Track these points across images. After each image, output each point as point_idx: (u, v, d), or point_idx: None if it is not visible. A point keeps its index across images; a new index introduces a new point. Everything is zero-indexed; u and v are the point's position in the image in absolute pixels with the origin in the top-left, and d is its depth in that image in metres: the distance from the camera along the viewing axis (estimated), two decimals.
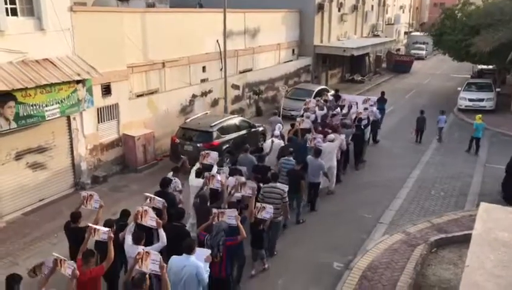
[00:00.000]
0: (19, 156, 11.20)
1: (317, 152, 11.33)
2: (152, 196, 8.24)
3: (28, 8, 11.02)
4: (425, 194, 13.06)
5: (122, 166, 14.32)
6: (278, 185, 9.40)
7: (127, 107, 14.28)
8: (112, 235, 6.67)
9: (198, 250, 6.52)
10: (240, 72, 20.85)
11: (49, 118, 11.17)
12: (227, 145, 14.07)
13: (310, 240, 10.29)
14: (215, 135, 13.91)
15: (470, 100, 22.86)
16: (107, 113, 13.77)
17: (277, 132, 13.35)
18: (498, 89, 24.80)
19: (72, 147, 12.59)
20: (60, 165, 12.32)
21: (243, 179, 9.16)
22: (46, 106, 10.97)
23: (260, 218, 8.18)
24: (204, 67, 18.25)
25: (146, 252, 6.05)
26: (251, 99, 21.51)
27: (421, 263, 9.12)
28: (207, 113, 16.03)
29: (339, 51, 27.48)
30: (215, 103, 18.57)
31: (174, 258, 6.45)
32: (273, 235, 9.37)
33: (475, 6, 26.64)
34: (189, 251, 6.34)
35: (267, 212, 8.12)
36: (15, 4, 10.69)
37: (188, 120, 15.03)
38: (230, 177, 9.32)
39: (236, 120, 15.42)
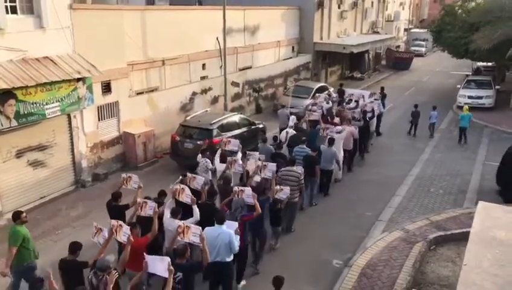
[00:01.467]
0: (19, 154, 11.24)
1: (331, 141, 12.10)
2: (193, 175, 9.14)
3: (28, 6, 11.03)
4: (425, 191, 13.12)
5: (122, 164, 14.37)
6: (295, 168, 10.30)
7: (127, 105, 14.31)
8: (157, 210, 7.52)
9: (227, 222, 7.43)
10: (240, 70, 20.87)
11: (49, 116, 11.20)
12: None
13: (310, 238, 10.35)
14: (215, 132, 13.93)
15: (469, 97, 22.87)
16: (107, 111, 13.80)
17: (291, 123, 14.16)
18: (497, 87, 24.81)
19: (72, 145, 12.63)
20: (60, 163, 12.37)
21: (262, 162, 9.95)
22: (47, 104, 11.01)
23: (277, 198, 9.10)
24: (204, 65, 18.27)
25: (186, 226, 6.89)
26: (251, 96, 21.53)
27: (420, 260, 9.18)
28: (207, 110, 16.04)
29: (339, 48, 27.46)
30: (215, 100, 18.60)
31: (208, 229, 7.24)
32: (291, 214, 10.34)
33: (475, 3, 26.63)
34: (221, 222, 7.30)
35: (284, 193, 9.13)
36: (15, 2, 10.70)
37: (188, 118, 15.05)
38: (250, 161, 10.33)
39: (236, 117, 15.45)
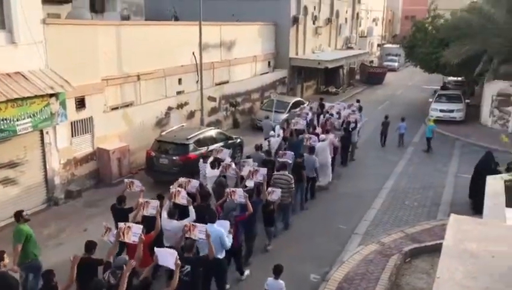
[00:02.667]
0: None
1: (311, 149, 12.97)
2: (188, 179, 9.68)
3: None
4: (399, 204, 13.33)
5: (96, 180, 14.11)
6: (286, 173, 11.20)
7: (101, 121, 14.12)
8: (159, 209, 8.13)
9: (219, 221, 8.08)
10: (216, 84, 20.91)
11: (20, 133, 10.95)
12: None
13: (287, 252, 10.34)
14: (191, 147, 13.87)
15: (441, 111, 23.51)
16: (81, 127, 13.57)
17: (278, 132, 15.15)
18: (467, 101, 25.59)
19: (44, 162, 12.34)
20: (32, 181, 12.05)
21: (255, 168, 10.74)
22: (17, 120, 10.76)
23: (270, 200, 9.87)
24: (180, 80, 18.23)
25: (192, 224, 7.55)
26: (228, 111, 21.57)
27: (396, 273, 9.28)
28: (183, 125, 15.99)
29: (314, 64, 27.90)
30: (191, 115, 18.55)
31: None
32: (285, 214, 11.35)
33: (444, 20, 27.54)
34: (213, 221, 7.98)
35: (276, 195, 9.93)
36: None
37: (164, 133, 14.95)
38: (245, 168, 10.98)
39: (213, 132, 15.44)
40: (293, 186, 11.14)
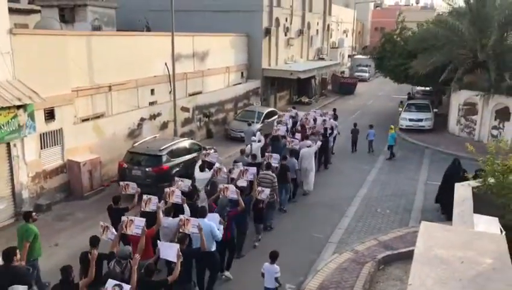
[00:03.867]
0: None
1: (293, 152, 13.95)
2: (180, 179, 10.61)
3: None
4: (372, 212, 13.52)
5: (67, 193, 13.78)
6: (270, 172, 11.94)
7: (71, 132, 13.83)
8: (160, 205, 8.80)
9: (209, 215, 8.70)
10: (190, 95, 20.84)
11: None
12: (177, 169, 13.92)
13: (262, 261, 10.28)
14: (164, 158, 13.73)
15: (410, 120, 24.12)
16: (50, 139, 13.26)
17: (259, 138, 16.01)
18: (435, 110, 26.33)
19: (12, 175, 11.99)
20: None
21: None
22: None
23: (259, 198, 10.61)
24: (152, 90, 18.09)
25: (186, 219, 8.12)
26: (201, 121, 21.50)
27: (370, 280, 9.37)
28: (156, 136, 15.82)
29: (286, 74, 28.19)
30: (164, 126, 18.39)
31: None
32: (270, 213, 11.88)
33: (412, 32, 28.36)
34: (203, 216, 8.57)
35: (264, 194, 10.65)
36: None
37: (136, 144, 14.75)
38: (235, 169, 11.64)
39: (186, 143, 15.33)
40: (276, 184, 11.83)
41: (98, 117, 15.24)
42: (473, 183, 9.29)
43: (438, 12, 35.29)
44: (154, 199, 8.99)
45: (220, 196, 9.81)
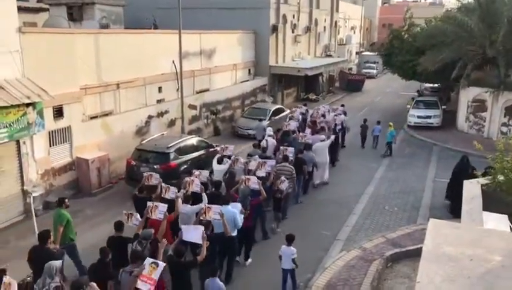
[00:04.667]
0: None
1: (308, 146, 14.14)
2: (199, 170, 11.14)
3: None
4: (380, 209, 13.47)
5: (75, 190, 13.88)
6: (287, 164, 12.40)
7: (80, 130, 13.93)
8: (179, 194, 9.53)
9: (232, 204, 9.18)
10: (197, 92, 20.88)
11: None
12: (185, 166, 13.96)
13: (271, 258, 10.31)
14: (172, 156, 13.78)
15: (419, 117, 23.95)
16: (59, 136, 13.37)
17: (270, 133, 16.32)
18: (444, 107, 26.13)
19: (21, 172, 12.10)
20: (8, 192, 11.79)
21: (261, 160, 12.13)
22: None
23: (279, 188, 11.20)
24: (160, 88, 18.14)
25: (208, 207, 8.63)
26: (208, 119, 21.53)
27: (378, 278, 9.35)
28: (163, 134, 15.89)
29: (294, 71, 28.14)
30: (171, 123, 18.45)
31: None
32: (285, 203, 12.25)
33: (420, 28, 28.15)
34: (227, 203, 9.09)
35: (284, 185, 11.26)
36: None
37: (144, 141, 14.81)
38: (252, 161, 12.10)
39: (193, 140, 15.37)
40: (295, 176, 12.41)
41: (106, 115, 15.33)
42: (482, 180, 9.21)
43: (447, 8, 35.01)
44: (173, 188, 9.82)
45: (242, 186, 10.33)
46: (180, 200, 9.43)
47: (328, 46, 39.57)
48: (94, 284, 6.24)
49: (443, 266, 4.55)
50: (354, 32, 52.38)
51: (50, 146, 13.06)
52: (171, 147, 13.94)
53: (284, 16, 28.72)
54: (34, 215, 10.60)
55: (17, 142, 11.81)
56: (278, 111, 22.69)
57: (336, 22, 41.32)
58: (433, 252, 4.86)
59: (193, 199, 9.69)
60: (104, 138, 14.89)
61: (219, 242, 8.81)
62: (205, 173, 11.27)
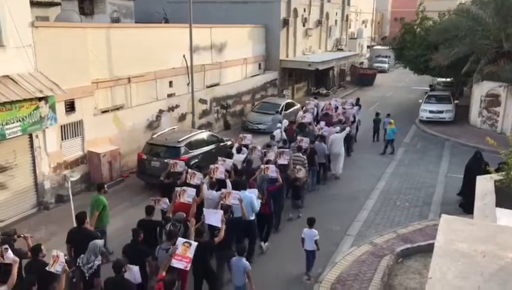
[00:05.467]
0: None
1: (322, 137, 14.62)
2: (223, 158, 11.49)
3: None
4: (391, 205, 13.39)
5: (87, 184, 13.99)
6: (300, 154, 12.91)
7: (91, 124, 14.02)
8: (204, 181, 10.09)
9: (249, 190, 9.73)
10: (207, 87, 20.89)
11: (9, 137, 10.85)
12: (195, 160, 14.00)
13: (281, 253, 10.35)
14: (183, 150, 13.82)
15: (431, 112, 23.70)
16: (71, 130, 13.48)
17: (285, 125, 16.90)
18: (456, 101, 25.82)
19: (34, 166, 12.23)
20: (21, 185, 11.94)
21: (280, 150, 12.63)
22: (6, 124, 10.66)
23: (297, 177, 11.75)
24: (171, 82, 18.18)
25: (228, 192, 9.20)
26: (219, 113, 21.55)
27: (388, 273, 9.31)
28: (174, 128, 15.94)
29: (304, 65, 27.98)
30: (182, 117, 18.50)
31: None
32: (302, 191, 12.65)
33: (432, 22, 27.78)
34: (244, 188, 9.66)
35: (302, 173, 11.85)
36: None
37: (155, 136, 14.88)
38: (270, 153, 12.44)
39: (204, 135, 15.40)
40: (307, 165, 12.82)
41: (117, 109, 15.41)
42: (496, 176, 9.09)
43: (460, 1, 34.47)
44: (199, 174, 10.32)
45: (260, 174, 10.84)
46: (205, 186, 9.93)
47: (339, 40, 39.28)
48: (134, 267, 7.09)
49: (455, 263, 4.51)
50: (366, 26, 51.88)
51: (62, 140, 13.17)
52: (181, 141, 13.98)
53: (295, 10, 28.55)
54: (71, 199, 10.94)
55: (30, 136, 11.93)
56: (288, 105, 22.63)
57: (347, 16, 40.96)
58: (445, 248, 4.81)
59: (218, 185, 10.09)
60: (116, 132, 14.98)
61: (238, 225, 9.21)
62: (229, 161, 11.56)
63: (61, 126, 13.02)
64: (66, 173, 11.86)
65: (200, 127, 18.42)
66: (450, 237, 5.05)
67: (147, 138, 15.15)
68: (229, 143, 16.20)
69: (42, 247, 7.25)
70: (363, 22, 51.36)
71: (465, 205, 12.23)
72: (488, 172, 9.83)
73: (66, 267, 6.57)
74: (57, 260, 6.55)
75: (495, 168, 10.25)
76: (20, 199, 11.93)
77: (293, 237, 10.35)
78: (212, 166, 10.79)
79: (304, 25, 30.54)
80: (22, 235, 7.87)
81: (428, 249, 9.14)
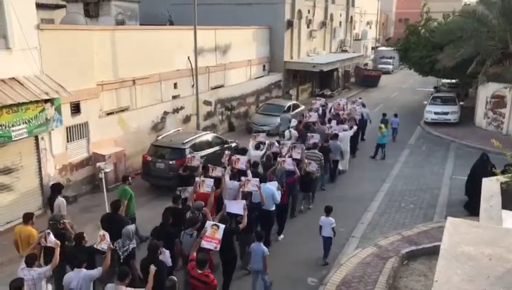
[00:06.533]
0: None
1: (335, 136, 15.03)
2: (237, 156, 11.85)
3: None
4: (396, 206, 13.35)
5: (92, 185, 14.05)
6: (316, 151, 13.49)
7: (96, 126, 14.08)
8: (224, 173, 10.65)
9: (270, 182, 10.40)
10: (212, 88, 20.92)
11: (15, 139, 10.90)
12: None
13: (285, 255, 10.34)
14: (187, 151, 13.84)
15: (436, 113, 23.61)
16: (76, 132, 13.54)
17: (294, 124, 17.52)
18: (461, 103, 25.72)
19: (40, 168, 12.29)
20: (27, 186, 12.00)
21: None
22: (13, 126, 10.72)
23: (308, 170, 12.28)
24: (175, 84, 18.22)
25: (247, 180, 9.93)
26: (223, 115, 21.57)
27: (393, 275, 9.28)
28: (179, 130, 15.97)
29: (309, 67, 27.96)
30: (187, 119, 18.53)
31: None
32: (313, 187, 13.16)
33: (437, 23, 27.68)
34: (265, 181, 10.34)
35: (312, 166, 12.36)
36: None
37: (160, 137, 14.93)
38: (284, 148, 13.02)
39: (208, 136, 15.43)
40: (323, 162, 13.43)
41: (122, 111, 15.47)
42: (502, 178, 9.03)
43: (465, 2, 34.36)
44: (220, 167, 10.96)
45: (278, 167, 11.40)
46: (227, 177, 10.56)
47: (343, 41, 39.22)
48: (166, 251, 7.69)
49: (461, 265, 4.49)
50: (370, 27, 51.81)
51: (67, 142, 13.24)
52: (186, 143, 14.01)
53: (299, 11, 28.55)
54: (104, 189, 11.92)
55: (36, 137, 11.99)
56: (293, 107, 22.62)
57: (351, 17, 40.92)
58: (451, 251, 4.80)
59: (239, 176, 10.74)
60: (121, 133, 15.03)
61: (256, 211, 9.87)
62: (244, 157, 11.96)
63: (67, 128, 13.08)
64: (101, 165, 12.28)
65: (204, 129, 18.45)
66: (456, 239, 5.03)
67: (151, 140, 15.20)
68: (233, 145, 16.22)
69: (85, 235, 7.96)
70: (368, 23, 51.29)
71: (471, 206, 12.17)
72: (494, 174, 9.78)
73: (111, 245, 7.47)
74: (103, 238, 7.50)
75: (501, 170, 10.19)
76: (26, 200, 11.98)
77: (307, 225, 11.53)
78: (233, 157, 11.51)
79: (308, 27, 30.54)
80: (64, 222, 8.52)
81: (433, 251, 9.11)
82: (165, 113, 17.28)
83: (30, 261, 6.95)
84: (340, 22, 37.99)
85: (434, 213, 12.83)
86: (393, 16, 69.62)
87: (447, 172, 16.45)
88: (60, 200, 9.76)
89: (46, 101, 11.49)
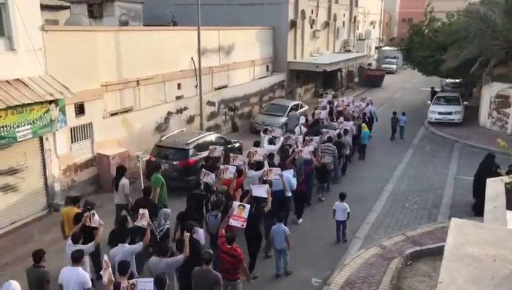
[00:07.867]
0: None
1: (346, 131, 15.70)
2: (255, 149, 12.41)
3: None
4: (399, 207, 13.33)
5: (97, 186, 14.10)
6: (331, 144, 14.22)
7: (101, 126, 14.12)
8: (246, 160, 11.41)
9: (285, 171, 11.09)
10: (215, 89, 20.95)
11: (20, 139, 10.95)
12: (203, 162, 14.02)
13: (289, 255, 10.32)
14: (191, 152, 13.88)
15: (440, 113, 23.55)
16: (80, 133, 13.59)
17: (302, 121, 17.90)
18: (465, 102, 25.64)
19: (44, 168, 12.33)
20: (32, 187, 12.05)
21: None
22: (18, 126, 10.76)
23: (324, 162, 13.17)
24: (179, 85, 18.26)
25: (269, 169, 10.64)
26: (227, 115, 21.59)
27: (397, 276, 9.26)
28: (183, 130, 15.99)
29: (312, 67, 27.94)
30: (190, 120, 18.56)
31: None
32: (328, 178, 13.98)
33: (441, 23, 27.61)
34: (282, 169, 10.96)
35: (327, 158, 13.32)
36: None
37: (164, 138, 14.95)
38: (300, 138, 14.09)
39: (212, 137, 15.45)
40: (337, 155, 14.22)
41: (126, 111, 15.50)
42: (506, 178, 9.00)
43: (469, 2, 34.22)
44: (241, 156, 11.88)
45: (296, 157, 12.24)
46: (247, 166, 11.26)
47: (347, 41, 39.15)
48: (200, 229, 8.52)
49: (466, 267, 4.49)
50: (374, 27, 51.67)
51: (72, 142, 13.28)
52: (190, 143, 14.03)
53: (303, 11, 28.53)
54: (141, 177, 13.02)
55: (40, 138, 12.04)
56: (296, 107, 22.61)
57: (355, 17, 40.85)
58: (455, 252, 4.79)
59: (257, 166, 11.46)
60: (125, 134, 15.07)
61: (277, 199, 10.34)
62: (262, 150, 12.56)
63: (71, 129, 13.12)
64: (139, 154, 13.11)
65: (208, 129, 18.48)
66: (460, 240, 5.03)
67: (155, 140, 15.23)
68: (237, 145, 16.24)
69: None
70: (371, 23, 51.18)
71: (478, 207, 12.12)
72: (498, 174, 9.75)
73: (150, 222, 8.14)
74: (142, 216, 8.15)
75: (506, 170, 10.16)
76: (30, 201, 12.04)
77: (323, 211, 12.51)
78: (251, 150, 12.16)
79: (311, 27, 30.52)
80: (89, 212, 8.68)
81: (437, 252, 9.08)
82: (169, 113, 17.31)
83: (76, 239, 7.77)
84: (344, 22, 37.93)
85: (438, 213, 12.79)
86: (397, 15, 69.42)
87: (451, 172, 16.40)
88: (125, 181, 10.81)
89: (50, 102, 11.53)
